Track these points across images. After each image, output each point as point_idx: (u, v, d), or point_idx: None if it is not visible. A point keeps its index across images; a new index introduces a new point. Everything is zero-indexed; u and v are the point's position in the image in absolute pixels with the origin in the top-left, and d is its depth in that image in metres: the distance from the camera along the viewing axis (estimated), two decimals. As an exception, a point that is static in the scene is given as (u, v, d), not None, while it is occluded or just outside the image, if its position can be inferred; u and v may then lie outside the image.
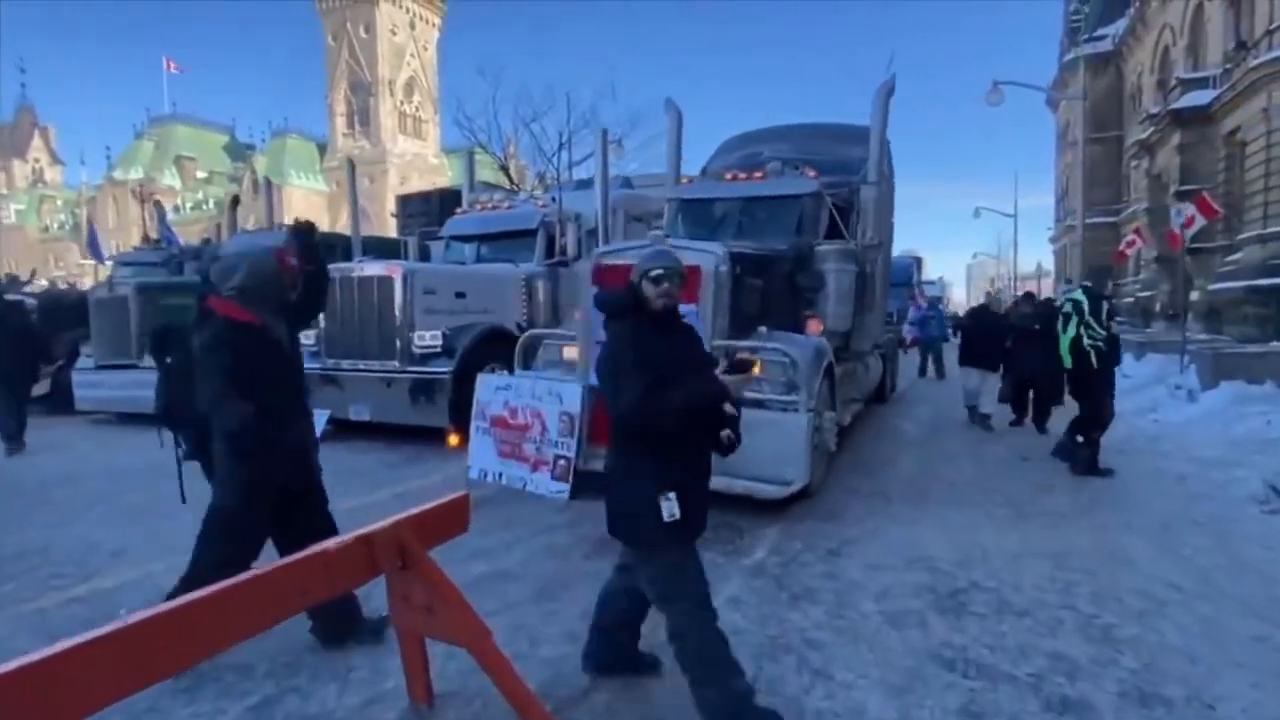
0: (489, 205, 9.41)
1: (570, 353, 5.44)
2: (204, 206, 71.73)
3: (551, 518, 4.71)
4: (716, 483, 4.92)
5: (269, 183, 12.75)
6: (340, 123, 70.88)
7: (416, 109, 73.33)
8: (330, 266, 7.99)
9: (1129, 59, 36.86)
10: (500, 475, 5.42)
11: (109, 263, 13.29)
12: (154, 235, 13.73)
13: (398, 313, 7.20)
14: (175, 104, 78.14)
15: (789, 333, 5.78)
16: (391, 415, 7.26)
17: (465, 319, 7.73)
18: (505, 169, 26.74)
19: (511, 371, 5.92)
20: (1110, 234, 34.20)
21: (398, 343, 7.23)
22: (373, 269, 7.31)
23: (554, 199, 8.76)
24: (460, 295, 7.80)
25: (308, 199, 70.19)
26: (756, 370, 5.13)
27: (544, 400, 5.23)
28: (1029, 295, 9.73)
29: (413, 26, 72.96)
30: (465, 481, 5.55)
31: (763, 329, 5.34)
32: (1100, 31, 37.24)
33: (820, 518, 4.68)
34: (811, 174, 7.02)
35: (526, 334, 5.71)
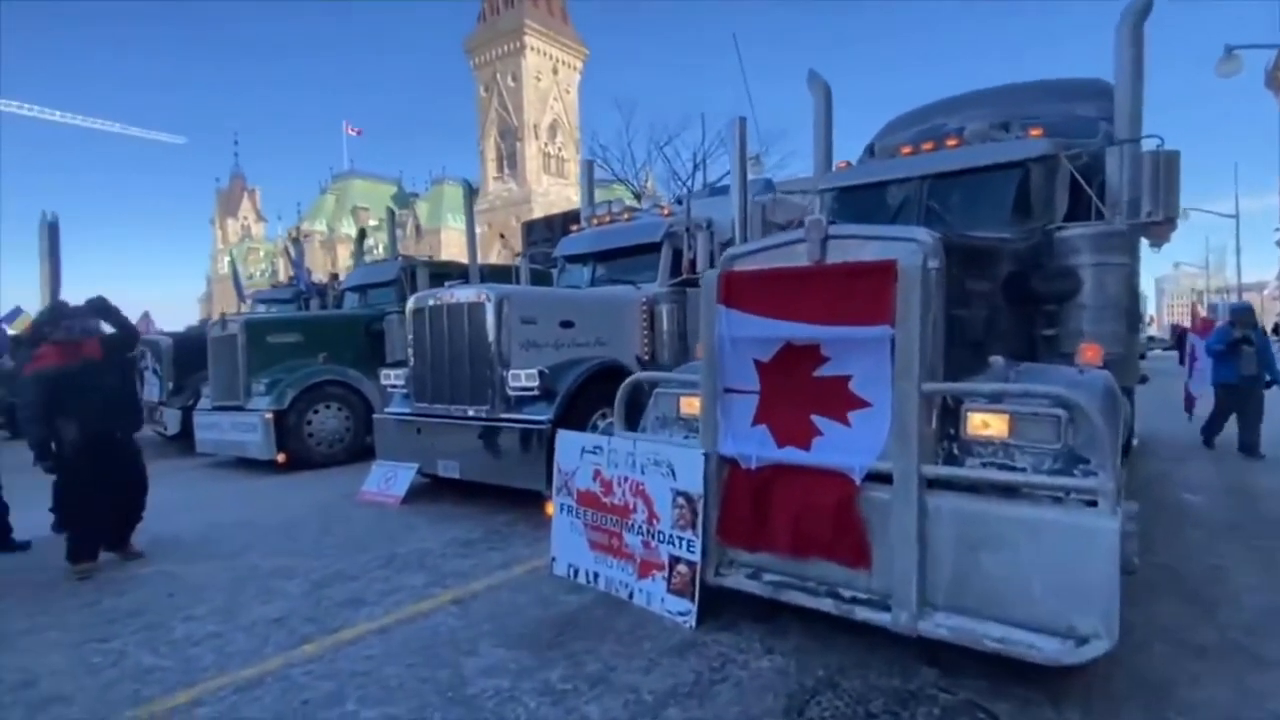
0: (606, 219, 8.03)
1: (693, 406, 3.73)
2: (374, 251, 78.61)
3: (669, 669, 2.97)
4: (942, 625, 2.88)
5: (391, 214, 12.45)
6: (491, 167, 74.94)
7: (559, 149, 76.06)
8: (415, 295, 7.06)
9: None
10: (595, 576, 3.79)
11: (249, 300, 13.59)
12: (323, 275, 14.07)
13: (490, 346, 5.89)
14: (353, 161, 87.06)
15: (1041, 366, 3.73)
16: (481, 473, 5.91)
17: (573, 353, 6.30)
18: (638, 197, 25.95)
19: (632, 425, 4.29)
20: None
21: (490, 384, 5.91)
22: (461, 294, 6.07)
23: (679, 202, 7.20)
24: (567, 324, 6.37)
25: (461, 239, 74.68)
26: (999, 430, 3.25)
27: (649, 472, 3.54)
28: None
29: (555, 72, 76.16)
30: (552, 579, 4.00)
31: (997, 359, 3.36)
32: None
33: (1149, 708, 2.58)
34: (1035, 132, 4.91)
35: (630, 379, 4.07)
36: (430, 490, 6.63)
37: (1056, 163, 4.67)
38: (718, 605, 3.41)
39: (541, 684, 2.88)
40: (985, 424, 3.00)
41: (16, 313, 13.93)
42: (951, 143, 5.17)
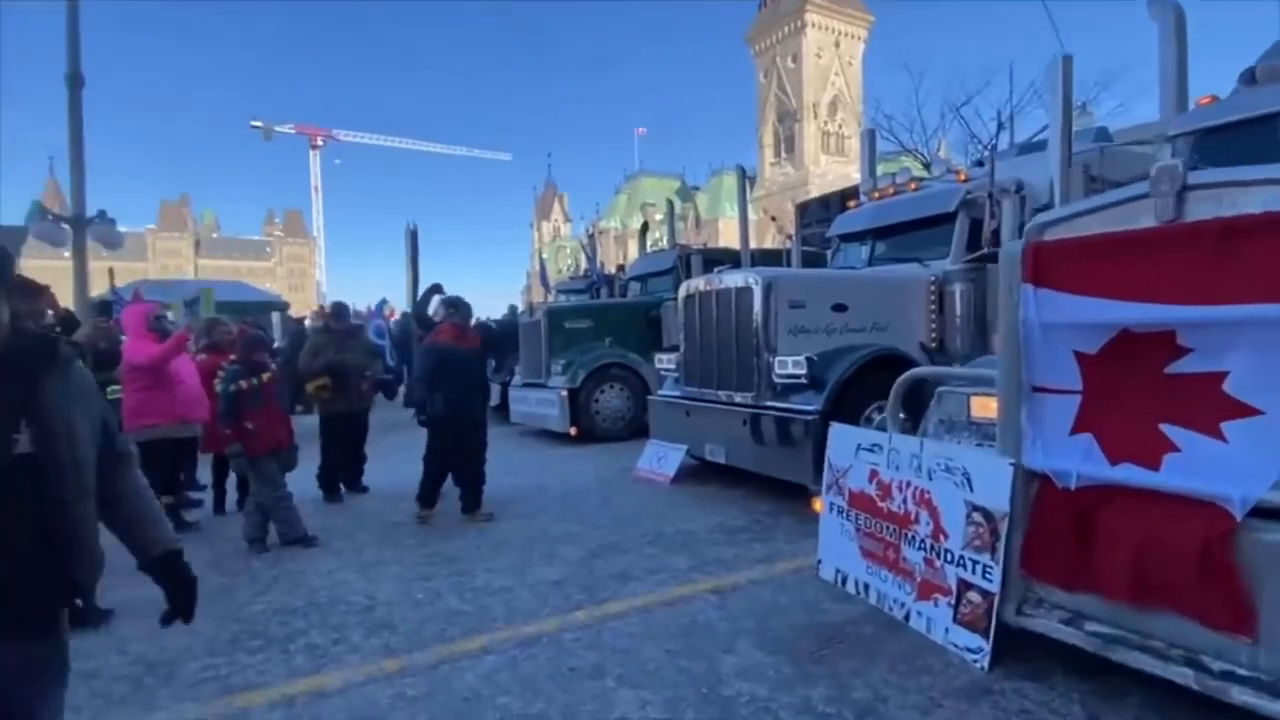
0: (889, 191, 7.29)
1: (988, 408, 3.11)
2: (659, 242, 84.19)
3: (954, 714, 2.52)
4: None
5: (670, 207, 13.04)
6: (768, 153, 74.75)
7: (840, 126, 72.79)
8: (687, 281, 7.17)
9: None
10: (865, 588, 3.41)
11: (553, 291, 15.39)
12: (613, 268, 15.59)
13: (756, 332, 5.73)
14: (642, 162, 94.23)
15: None
16: (747, 459, 5.80)
17: (846, 339, 5.84)
18: (928, 167, 23.52)
19: (912, 421, 3.81)
20: None
21: (756, 370, 5.76)
22: (729, 280, 6.00)
23: (979, 164, 6.21)
24: (840, 308, 5.93)
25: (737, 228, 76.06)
26: None
27: (937, 479, 3.04)
28: None
29: (837, 45, 72.83)
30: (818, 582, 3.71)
31: None
32: None
33: None
34: None
35: (906, 375, 3.55)
36: (699, 471, 6.73)
37: None
38: (1018, 644, 2.81)
39: (801, 701, 2.65)
40: None
41: (384, 304, 17.75)
42: None
